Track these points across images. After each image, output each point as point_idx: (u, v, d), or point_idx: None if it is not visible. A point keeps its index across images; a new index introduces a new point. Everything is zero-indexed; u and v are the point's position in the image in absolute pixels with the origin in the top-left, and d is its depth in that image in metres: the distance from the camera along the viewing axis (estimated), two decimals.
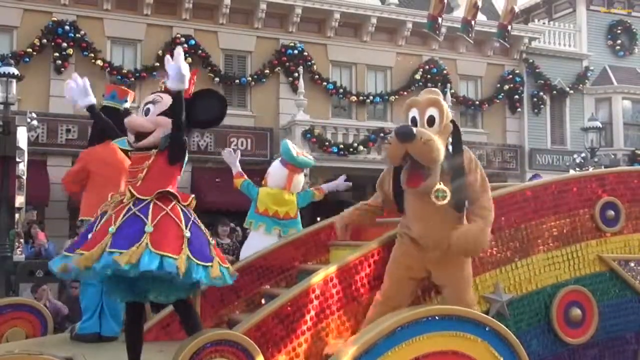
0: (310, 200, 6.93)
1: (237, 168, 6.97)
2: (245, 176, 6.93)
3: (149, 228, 3.65)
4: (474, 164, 4.29)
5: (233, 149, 7.45)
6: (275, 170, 6.91)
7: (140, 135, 3.93)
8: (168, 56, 3.89)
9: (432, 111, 4.17)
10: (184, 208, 3.86)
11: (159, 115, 3.95)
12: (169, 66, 3.81)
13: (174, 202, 3.83)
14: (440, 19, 17.97)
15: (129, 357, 3.95)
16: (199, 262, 3.66)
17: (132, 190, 3.85)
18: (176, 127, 3.89)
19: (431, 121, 4.14)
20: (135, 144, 3.94)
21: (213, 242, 3.92)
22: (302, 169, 6.97)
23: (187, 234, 3.72)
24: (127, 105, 5.71)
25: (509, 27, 19.39)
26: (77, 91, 4.80)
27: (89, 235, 3.77)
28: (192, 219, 3.85)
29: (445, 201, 4.04)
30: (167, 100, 3.94)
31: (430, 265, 4.22)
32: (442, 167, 4.09)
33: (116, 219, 3.75)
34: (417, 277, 4.25)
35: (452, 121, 4.27)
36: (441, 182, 4.05)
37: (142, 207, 3.76)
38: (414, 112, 4.19)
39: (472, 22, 18.22)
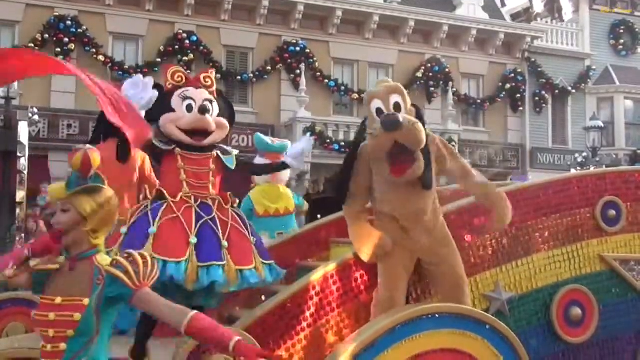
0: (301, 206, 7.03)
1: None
2: None
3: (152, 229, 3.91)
4: (442, 144, 4.30)
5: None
6: None
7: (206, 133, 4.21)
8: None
9: (395, 98, 4.11)
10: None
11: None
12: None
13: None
14: None
15: (135, 346, 3.96)
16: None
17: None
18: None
19: (397, 108, 4.08)
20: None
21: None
22: (281, 153, 6.78)
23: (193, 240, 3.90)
24: None
25: None
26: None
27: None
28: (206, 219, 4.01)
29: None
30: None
31: (420, 253, 4.19)
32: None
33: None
34: (409, 270, 4.22)
35: (414, 105, 4.24)
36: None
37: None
38: (377, 103, 4.11)
39: None
